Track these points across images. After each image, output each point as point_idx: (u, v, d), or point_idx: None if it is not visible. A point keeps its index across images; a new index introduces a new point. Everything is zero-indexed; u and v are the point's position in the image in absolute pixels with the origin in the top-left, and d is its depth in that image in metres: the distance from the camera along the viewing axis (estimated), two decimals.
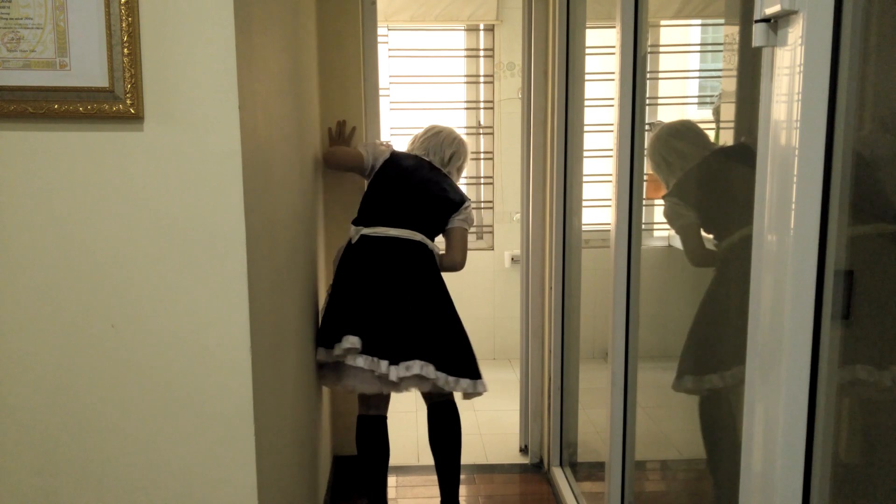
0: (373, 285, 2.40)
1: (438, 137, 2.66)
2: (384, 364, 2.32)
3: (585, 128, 2.71)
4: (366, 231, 2.46)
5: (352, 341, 2.32)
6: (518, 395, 3.35)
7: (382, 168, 2.54)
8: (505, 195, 4.54)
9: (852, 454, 1.12)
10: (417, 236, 2.48)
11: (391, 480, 2.96)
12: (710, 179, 1.82)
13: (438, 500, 2.57)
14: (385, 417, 2.56)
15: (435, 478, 2.69)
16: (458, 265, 2.61)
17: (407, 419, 3.62)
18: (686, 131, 1.97)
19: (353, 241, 2.47)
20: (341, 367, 2.39)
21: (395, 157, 2.58)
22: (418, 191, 2.52)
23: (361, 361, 2.33)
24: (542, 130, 2.94)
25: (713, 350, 1.76)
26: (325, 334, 2.40)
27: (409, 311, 2.39)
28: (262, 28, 1.51)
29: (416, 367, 2.33)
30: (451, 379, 2.38)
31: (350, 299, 2.40)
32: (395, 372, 2.32)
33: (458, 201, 2.58)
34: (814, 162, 0.98)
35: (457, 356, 2.42)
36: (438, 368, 2.36)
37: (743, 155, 1.70)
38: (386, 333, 2.35)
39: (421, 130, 2.72)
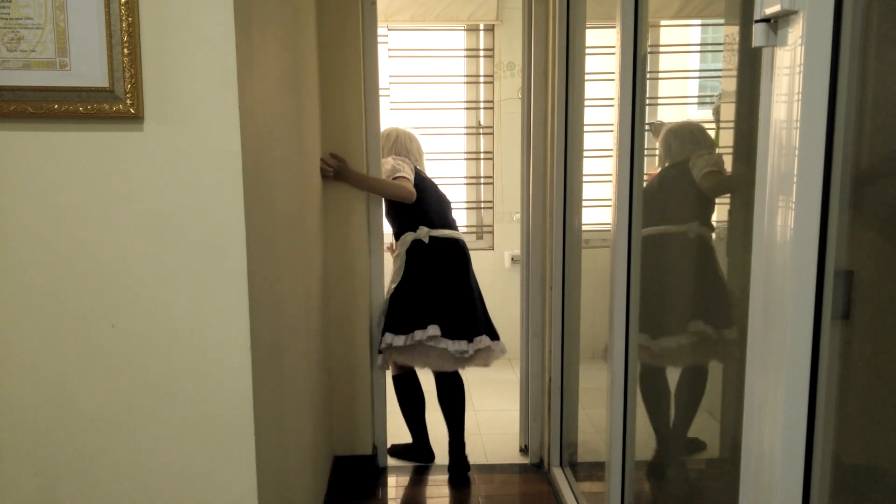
0: (446, 279, 2.90)
1: (399, 141, 3.05)
2: (463, 343, 2.85)
3: (585, 128, 2.71)
4: (434, 233, 2.92)
5: (433, 329, 2.82)
6: (518, 395, 3.34)
7: (417, 179, 2.94)
8: (505, 195, 4.54)
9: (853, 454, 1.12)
10: (463, 236, 3.02)
11: (391, 480, 2.97)
12: (649, 192, 2.12)
13: (438, 500, 2.58)
14: (415, 371, 3.06)
15: (435, 477, 2.98)
16: None
17: None
18: (680, 132, 2.08)
19: (426, 242, 2.90)
20: (419, 348, 2.86)
21: (416, 170, 3.00)
22: (443, 197, 3.04)
23: (444, 344, 2.83)
24: (542, 130, 2.94)
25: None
26: (405, 321, 2.84)
27: (473, 297, 2.94)
28: (262, 28, 1.51)
29: (485, 340, 2.91)
30: (497, 343, 2.98)
31: (428, 292, 2.86)
32: (472, 346, 2.87)
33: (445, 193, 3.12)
34: (814, 162, 0.98)
35: (492, 325, 3.04)
36: (491, 338, 2.96)
37: (670, 175, 2.07)
38: (461, 318, 2.88)
39: (382, 139, 3.04)
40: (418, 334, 2.81)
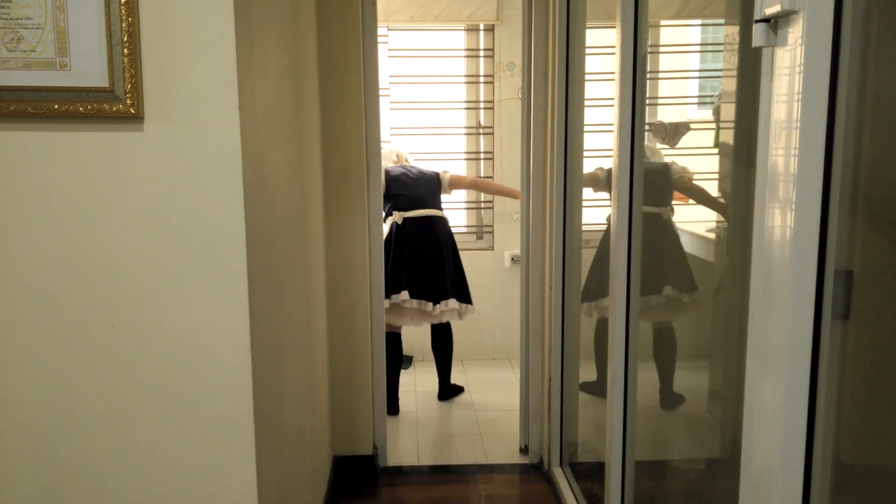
0: (416, 251, 3.57)
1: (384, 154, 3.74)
2: (429, 305, 3.58)
3: (585, 128, 2.71)
4: (406, 215, 3.61)
5: (404, 294, 3.52)
6: (518, 395, 3.34)
7: (387, 176, 3.61)
8: None
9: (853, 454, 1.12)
10: (438, 212, 3.68)
11: (392, 480, 2.98)
12: None
13: (438, 500, 2.59)
14: (399, 335, 3.74)
15: (434, 477, 2.99)
16: (484, 182, 4.20)
17: (408, 418, 3.63)
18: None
19: (399, 224, 3.60)
20: (396, 309, 3.57)
21: (385, 168, 3.62)
22: (421, 184, 3.68)
23: (413, 304, 3.56)
24: (542, 130, 2.94)
25: (600, 286, 2.53)
26: (387, 287, 3.40)
27: (442, 266, 3.59)
28: (262, 28, 1.51)
29: (452, 303, 3.62)
30: (465, 305, 3.70)
31: (400, 263, 3.54)
32: (438, 308, 3.60)
33: (433, 171, 3.78)
34: (814, 162, 0.98)
35: (465, 289, 3.73)
36: (459, 300, 3.68)
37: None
38: (428, 283, 3.57)
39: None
40: (395, 297, 3.51)
